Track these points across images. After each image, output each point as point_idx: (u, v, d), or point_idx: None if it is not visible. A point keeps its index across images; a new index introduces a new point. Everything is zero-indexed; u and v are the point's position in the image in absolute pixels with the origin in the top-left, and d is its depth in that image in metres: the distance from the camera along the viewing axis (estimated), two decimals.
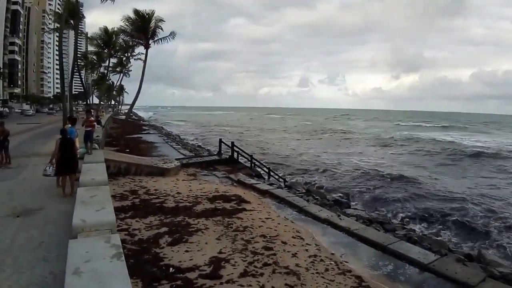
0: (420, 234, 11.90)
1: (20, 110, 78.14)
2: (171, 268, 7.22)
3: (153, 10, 27.56)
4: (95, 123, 15.79)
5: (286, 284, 6.88)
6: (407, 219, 13.68)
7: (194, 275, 7.00)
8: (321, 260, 8.24)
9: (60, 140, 9.82)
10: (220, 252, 8.19)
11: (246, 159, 23.19)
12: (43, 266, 5.33)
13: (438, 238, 11.82)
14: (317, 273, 7.52)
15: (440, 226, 13.58)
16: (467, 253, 10.32)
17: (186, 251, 8.23)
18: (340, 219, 11.44)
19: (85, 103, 51.35)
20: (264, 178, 20.40)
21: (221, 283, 6.77)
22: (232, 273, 7.17)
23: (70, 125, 11.93)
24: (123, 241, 8.56)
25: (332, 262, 8.17)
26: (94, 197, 6.45)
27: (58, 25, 27.56)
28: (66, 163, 9.61)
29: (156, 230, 9.47)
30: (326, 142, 51.65)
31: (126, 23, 27.83)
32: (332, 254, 8.74)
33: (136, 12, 27.20)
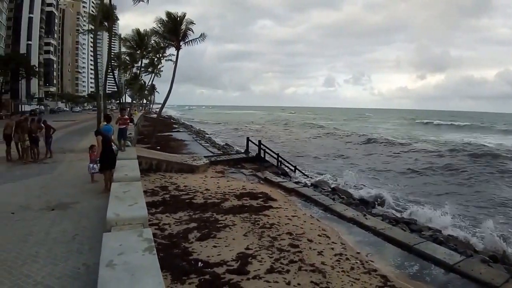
0: (446, 234, 11.64)
1: (56, 108, 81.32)
2: (199, 263, 7.43)
3: (184, 13, 27.96)
4: (128, 121, 16.23)
5: (311, 282, 6.95)
6: (434, 220, 13.39)
7: (222, 270, 7.17)
8: (347, 258, 8.26)
9: (101, 137, 10.06)
10: (247, 248, 8.34)
11: (273, 157, 23.21)
12: (77, 258, 5.46)
13: (464, 239, 11.55)
14: (342, 271, 7.55)
15: (469, 228, 13.23)
16: (492, 254, 10.07)
17: (214, 246, 8.43)
18: (366, 218, 11.38)
19: (118, 102, 52.59)
20: (290, 176, 20.40)
21: (248, 279, 6.91)
22: (259, 269, 7.30)
23: (105, 123, 12.33)
24: (153, 235, 8.81)
25: (358, 261, 8.17)
26: (127, 192, 6.63)
27: (93, 27, 28.39)
28: (110, 159, 9.86)
29: (185, 225, 9.75)
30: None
31: (159, 25, 28.35)
32: (358, 253, 8.75)
33: (169, 14, 27.62)
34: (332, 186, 18.57)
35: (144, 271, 3.64)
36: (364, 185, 19.59)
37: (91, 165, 10.77)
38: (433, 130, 76.35)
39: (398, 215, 14.07)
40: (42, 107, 76.78)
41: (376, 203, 15.69)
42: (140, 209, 5.63)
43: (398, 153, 35.37)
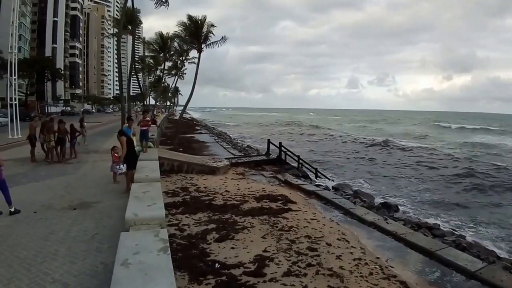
0: (470, 240, 11.31)
1: (82, 109, 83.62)
2: (216, 264, 7.46)
3: (205, 16, 28.24)
4: (150, 122, 16.47)
5: (329, 286, 6.87)
6: (458, 224, 13.05)
7: (239, 272, 7.17)
8: (366, 263, 8.13)
9: (125, 138, 10.11)
10: (264, 251, 8.32)
11: (293, 160, 23.13)
12: (95, 257, 5.57)
13: (487, 246, 11.20)
14: (361, 276, 7.43)
15: (494, 234, 12.83)
16: None
17: (232, 248, 8.45)
18: (387, 222, 11.18)
19: (142, 104, 53.59)
20: (310, 179, 20.26)
21: (265, 281, 6.88)
22: (276, 272, 7.26)
23: (126, 125, 12.53)
24: (173, 235, 8.98)
25: (377, 266, 8.03)
26: (146, 193, 6.71)
27: (117, 31, 29.03)
28: (134, 160, 9.98)
29: (204, 226, 9.81)
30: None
31: (181, 28, 28.74)
32: (378, 258, 8.59)
33: (190, 17, 27.98)
34: (354, 189, 18.34)
35: (157, 270, 3.68)
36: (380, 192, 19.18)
37: (118, 166, 10.89)
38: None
39: (421, 220, 13.74)
40: (69, 108, 78.94)
41: (398, 206, 15.40)
42: (158, 210, 5.68)
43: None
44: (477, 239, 11.82)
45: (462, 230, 12.57)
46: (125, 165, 10.22)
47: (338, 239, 9.56)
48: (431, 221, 13.69)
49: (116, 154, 11.11)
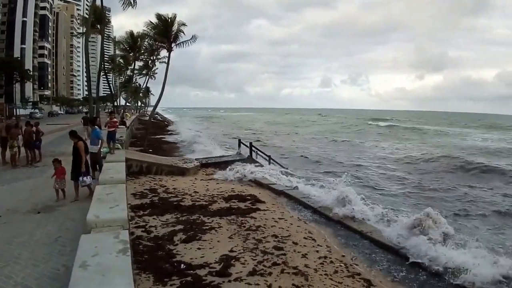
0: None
1: (54, 112, 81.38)
2: (182, 265, 7.48)
3: (175, 14, 28.09)
4: (118, 124, 16.26)
5: (293, 285, 6.97)
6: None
7: (204, 272, 7.21)
8: (331, 261, 8.27)
9: (84, 144, 9.54)
10: (231, 251, 8.38)
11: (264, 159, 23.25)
12: (57, 260, 5.57)
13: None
14: (325, 274, 7.56)
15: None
16: None
17: (199, 248, 8.48)
18: (354, 221, 11.39)
19: (112, 105, 52.65)
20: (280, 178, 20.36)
21: (230, 281, 6.95)
22: (241, 272, 7.33)
23: (96, 127, 12.25)
24: (139, 237, 8.94)
25: (342, 264, 8.18)
26: (110, 194, 6.68)
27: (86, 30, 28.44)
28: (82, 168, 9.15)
29: (171, 228, 9.80)
30: None
31: (149, 27, 28.44)
32: (343, 256, 8.75)
33: (159, 16, 27.74)
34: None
35: (116, 272, 3.69)
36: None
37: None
38: None
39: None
40: (37, 110, 76.55)
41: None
42: (120, 211, 5.68)
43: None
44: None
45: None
46: (89, 176, 9.26)
47: (304, 237, 9.70)
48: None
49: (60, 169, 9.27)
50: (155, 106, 34.27)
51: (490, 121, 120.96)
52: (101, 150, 11.55)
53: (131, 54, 44.57)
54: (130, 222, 8.19)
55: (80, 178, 9.04)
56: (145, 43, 38.72)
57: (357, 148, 39.65)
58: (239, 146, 24.76)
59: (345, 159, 30.49)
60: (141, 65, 51.75)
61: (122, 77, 70.55)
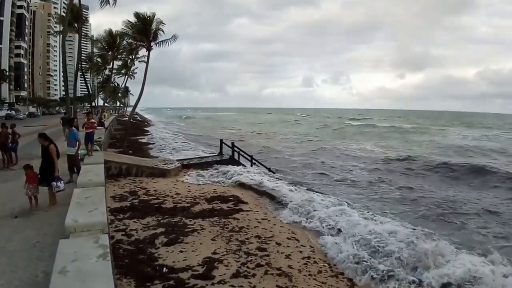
0: None
1: (27, 113, 79.24)
2: (164, 268, 7.36)
3: (153, 13, 27.61)
4: (96, 125, 15.89)
5: (277, 286, 6.98)
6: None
7: (187, 275, 7.12)
8: (315, 262, 8.32)
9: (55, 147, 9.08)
10: (214, 253, 8.31)
11: (247, 159, 23.15)
12: (36, 265, 5.41)
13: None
14: (309, 275, 7.60)
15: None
16: None
17: (181, 251, 8.38)
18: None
19: (90, 105, 51.58)
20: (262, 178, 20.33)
21: (213, 284, 6.89)
22: (225, 274, 7.28)
23: (73, 129, 11.97)
24: (119, 241, 8.75)
25: (326, 264, 8.26)
26: (88, 198, 6.51)
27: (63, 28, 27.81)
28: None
29: (152, 231, 9.64)
30: None
31: (128, 26, 27.93)
32: (326, 256, 8.80)
33: (137, 15, 27.21)
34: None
35: (96, 277, 3.60)
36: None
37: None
38: None
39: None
40: (14, 111, 74.46)
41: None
42: (100, 215, 5.54)
43: None
44: None
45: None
46: (62, 181, 8.67)
47: (288, 238, 9.71)
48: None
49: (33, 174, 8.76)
50: (135, 106, 33.76)
51: (468, 120, 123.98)
52: (79, 152, 11.27)
53: (109, 53, 43.75)
54: (110, 226, 8.03)
55: (54, 183, 8.45)
56: (124, 42, 38.04)
57: (333, 148, 39.61)
58: (221, 146, 24.58)
59: (324, 159, 30.48)
60: (120, 64, 50.88)
61: (100, 77, 69.26)
